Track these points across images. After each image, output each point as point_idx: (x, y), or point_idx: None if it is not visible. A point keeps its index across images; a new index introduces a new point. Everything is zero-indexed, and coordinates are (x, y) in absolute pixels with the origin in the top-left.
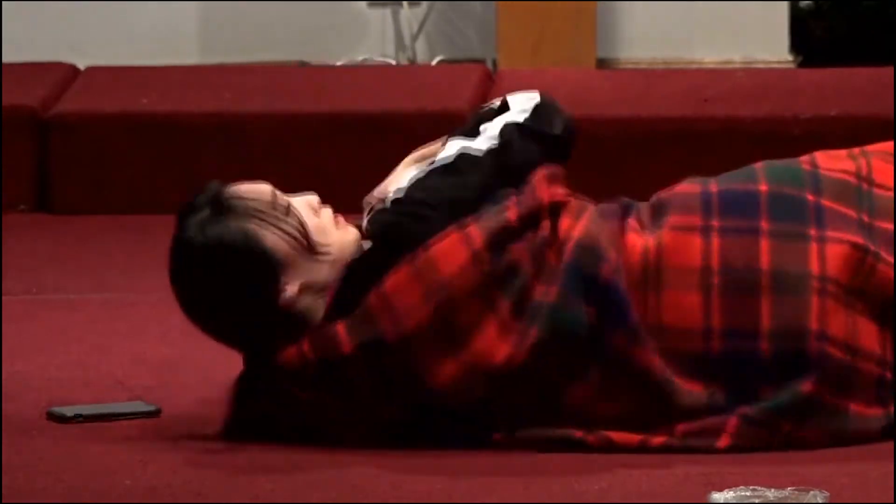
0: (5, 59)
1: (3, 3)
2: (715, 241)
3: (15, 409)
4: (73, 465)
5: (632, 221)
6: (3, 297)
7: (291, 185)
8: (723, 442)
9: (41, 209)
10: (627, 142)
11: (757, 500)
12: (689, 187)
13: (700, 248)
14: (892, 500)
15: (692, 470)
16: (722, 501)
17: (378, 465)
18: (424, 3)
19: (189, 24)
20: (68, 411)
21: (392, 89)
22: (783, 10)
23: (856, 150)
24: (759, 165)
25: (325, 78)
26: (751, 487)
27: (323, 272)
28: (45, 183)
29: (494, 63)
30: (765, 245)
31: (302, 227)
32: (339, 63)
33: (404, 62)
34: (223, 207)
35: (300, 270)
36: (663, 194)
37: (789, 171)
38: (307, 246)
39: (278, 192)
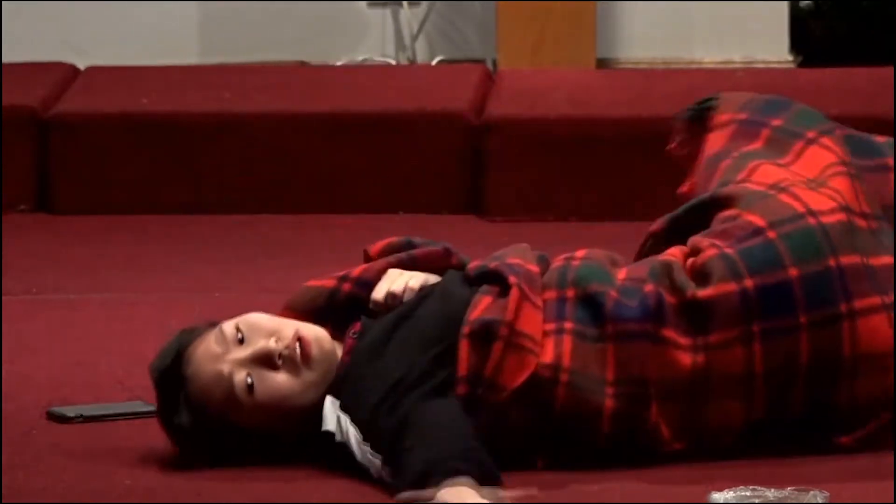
0: (5, 59)
1: (3, 3)
2: (756, 347)
3: (15, 409)
4: (73, 465)
5: (670, 334)
6: (3, 297)
7: (291, 185)
8: None
9: (41, 209)
10: (627, 142)
11: (757, 500)
12: (726, 287)
13: (742, 356)
14: (892, 501)
15: (692, 470)
16: (722, 501)
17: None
18: (424, 3)
19: (189, 24)
20: (68, 411)
21: (392, 89)
22: (783, 10)
23: (807, 175)
24: (773, 235)
25: (325, 78)
26: (751, 487)
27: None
28: (45, 183)
29: (494, 63)
30: (804, 339)
31: (262, 406)
32: (339, 63)
33: (404, 62)
34: (185, 400)
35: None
36: (701, 292)
37: (806, 238)
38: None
39: (239, 360)
